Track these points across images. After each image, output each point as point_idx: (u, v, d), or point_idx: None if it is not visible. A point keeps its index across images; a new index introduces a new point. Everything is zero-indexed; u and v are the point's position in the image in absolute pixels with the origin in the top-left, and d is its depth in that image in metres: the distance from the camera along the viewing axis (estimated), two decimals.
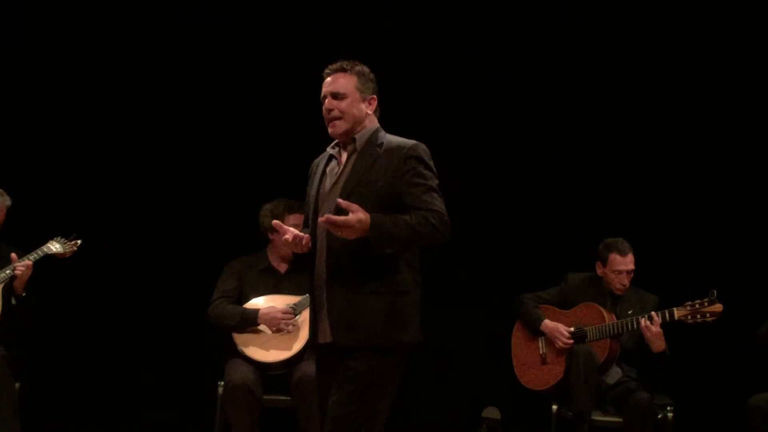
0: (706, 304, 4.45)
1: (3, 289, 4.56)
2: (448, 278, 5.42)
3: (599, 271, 4.85)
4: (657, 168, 5.34)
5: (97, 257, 5.17)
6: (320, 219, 3.14)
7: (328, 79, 3.36)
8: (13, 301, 4.59)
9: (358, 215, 3.07)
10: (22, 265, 4.52)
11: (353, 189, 3.23)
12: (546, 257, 5.26)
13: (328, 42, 5.04)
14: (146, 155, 5.42)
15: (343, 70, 3.35)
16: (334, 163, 3.38)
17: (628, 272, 4.76)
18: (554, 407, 4.74)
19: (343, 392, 3.18)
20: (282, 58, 5.35)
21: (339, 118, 3.31)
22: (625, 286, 4.78)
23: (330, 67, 3.38)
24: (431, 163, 3.29)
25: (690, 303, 4.50)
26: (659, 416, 4.63)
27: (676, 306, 4.53)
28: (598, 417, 4.65)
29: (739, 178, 5.28)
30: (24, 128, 5.40)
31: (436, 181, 3.26)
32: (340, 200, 3.12)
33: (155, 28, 5.39)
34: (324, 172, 3.38)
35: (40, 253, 4.60)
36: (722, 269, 5.06)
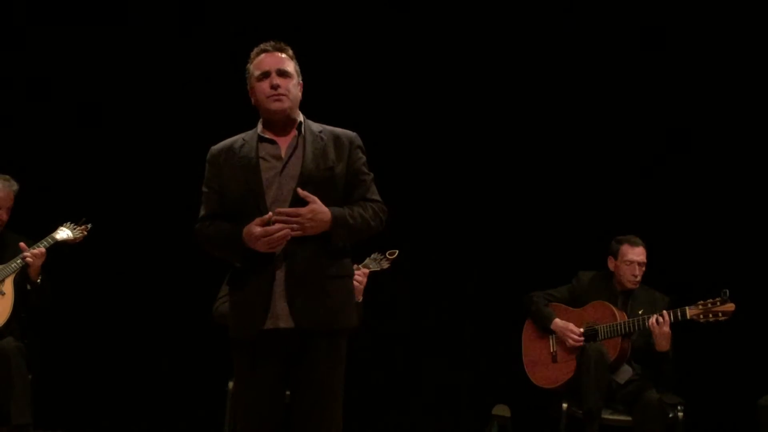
0: (718, 303, 4.45)
1: (15, 279, 4.55)
2: (459, 277, 5.43)
3: (611, 265, 4.84)
4: (668, 167, 5.34)
5: (109, 248, 5.20)
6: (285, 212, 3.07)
7: (271, 55, 3.22)
8: (29, 287, 4.57)
9: (314, 207, 3.07)
10: (33, 254, 4.49)
11: (310, 174, 3.15)
12: (557, 256, 5.27)
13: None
14: (160, 139, 5.43)
15: (284, 50, 3.25)
16: (269, 146, 3.22)
17: (639, 264, 4.76)
18: (564, 405, 4.73)
19: (326, 381, 3.16)
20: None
21: (285, 95, 3.19)
22: (636, 277, 4.77)
23: (269, 44, 3.25)
24: None
25: (702, 302, 4.50)
26: (670, 415, 4.62)
27: (689, 305, 4.53)
28: (608, 416, 4.64)
29: (750, 177, 5.27)
30: (29, 115, 5.43)
31: None
32: (300, 190, 3.09)
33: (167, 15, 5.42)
34: (257, 157, 3.20)
35: (50, 240, 4.58)
36: (734, 268, 5.05)
